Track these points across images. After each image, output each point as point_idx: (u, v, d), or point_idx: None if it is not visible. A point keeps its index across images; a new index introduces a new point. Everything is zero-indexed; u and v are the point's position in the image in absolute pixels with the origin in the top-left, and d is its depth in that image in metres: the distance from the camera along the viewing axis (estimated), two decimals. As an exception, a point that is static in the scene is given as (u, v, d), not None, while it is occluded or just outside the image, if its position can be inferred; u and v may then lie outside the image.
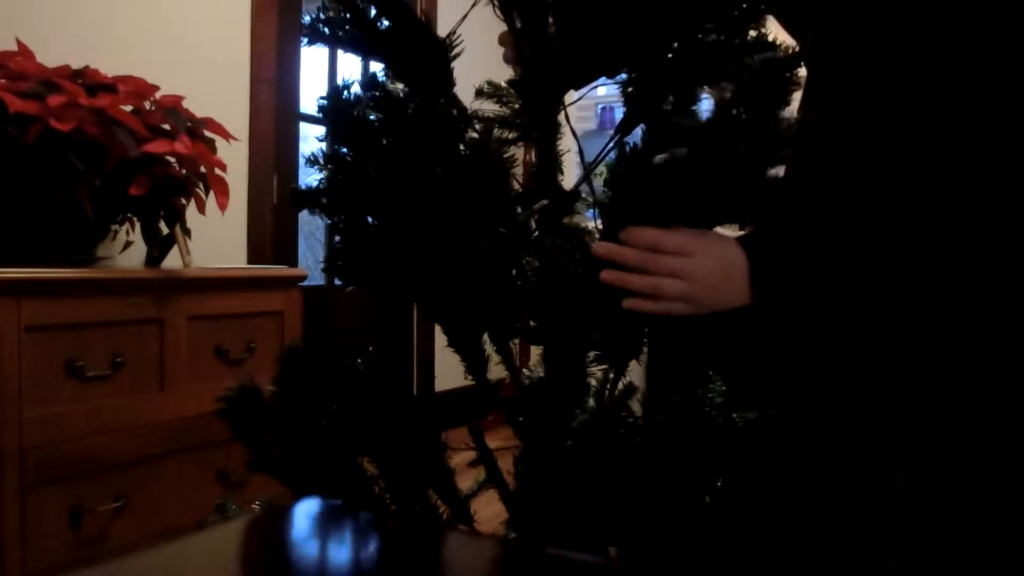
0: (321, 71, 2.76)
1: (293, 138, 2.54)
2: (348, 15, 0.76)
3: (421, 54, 0.76)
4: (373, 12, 0.75)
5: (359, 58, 2.93)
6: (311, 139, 3.15)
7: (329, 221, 0.82)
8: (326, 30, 0.77)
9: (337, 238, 0.81)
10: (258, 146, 2.33)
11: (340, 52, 2.77)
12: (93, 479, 1.36)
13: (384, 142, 0.78)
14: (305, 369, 0.81)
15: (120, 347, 1.41)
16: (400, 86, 0.80)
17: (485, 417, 0.97)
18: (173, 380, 1.50)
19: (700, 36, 0.71)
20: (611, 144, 0.78)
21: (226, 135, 1.68)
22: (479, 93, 0.96)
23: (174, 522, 1.48)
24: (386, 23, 0.75)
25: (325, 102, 0.79)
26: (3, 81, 1.35)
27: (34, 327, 1.27)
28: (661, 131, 0.72)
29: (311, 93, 2.71)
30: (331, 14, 0.76)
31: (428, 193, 0.72)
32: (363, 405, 0.79)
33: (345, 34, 0.77)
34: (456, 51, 0.78)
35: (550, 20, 0.76)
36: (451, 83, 0.79)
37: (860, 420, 0.61)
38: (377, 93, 0.78)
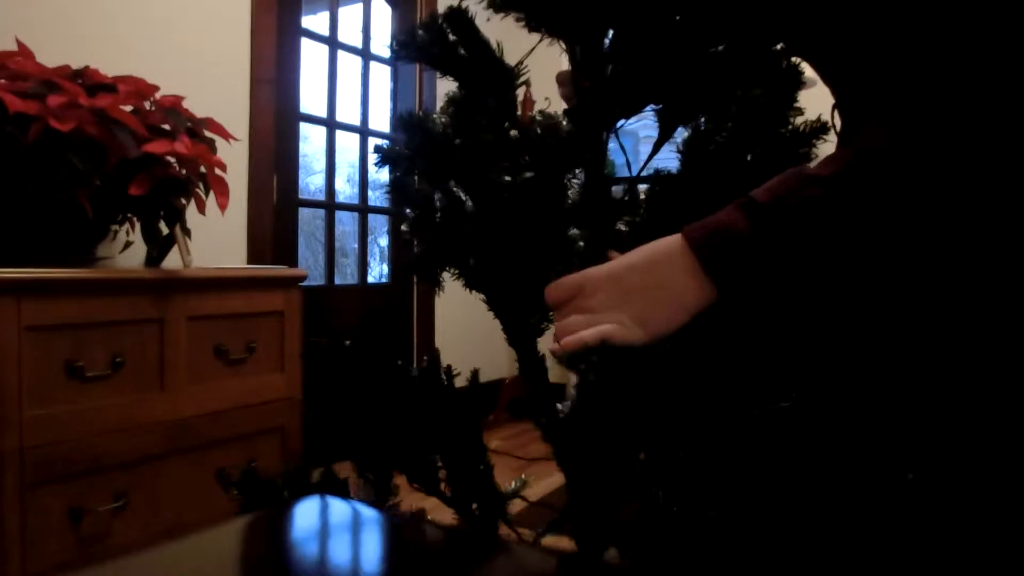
0: (321, 71, 2.76)
1: (293, 138, 2.54)
2: (435, 39, 0.89)
3: (492, 79, 0.89)
4: (454, 40, 0.88)
5: (358, 59, 2.93)
6: (311, 139, 3.15)
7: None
8: (413, 51, 0.92)
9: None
10: (258, 146, 2.33)
11: (340, 53, 2.78)
12: (93, 479, 1.36)
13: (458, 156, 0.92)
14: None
15: (120, 347, 1.41)
16: None
17: (487, 416, 1.00)
18: (173, 380, 1.50)
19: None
20: (647, 160, 0.90)
21: (226, 135, 1.68)
22: (534, 122, 1.08)
23: (174, 522, 1.48)
24: (464, 51, 0.89)
25: (403, 120, 0.94)
26: (3, 81, 1.35)
27: (34, 327, 1.27)
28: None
29: (311, 93, 2.72)
30: (420, 37, 0.90)
31: (495, 202, 0.80)
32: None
33: (428, 55, 0.91)
34: (521, 79, 0.91)
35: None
36: (515, 107, 0.92)
37: (868, 419, 0.61)
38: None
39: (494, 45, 0.90)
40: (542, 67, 1.08)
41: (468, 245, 0.88)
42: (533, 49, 0.90)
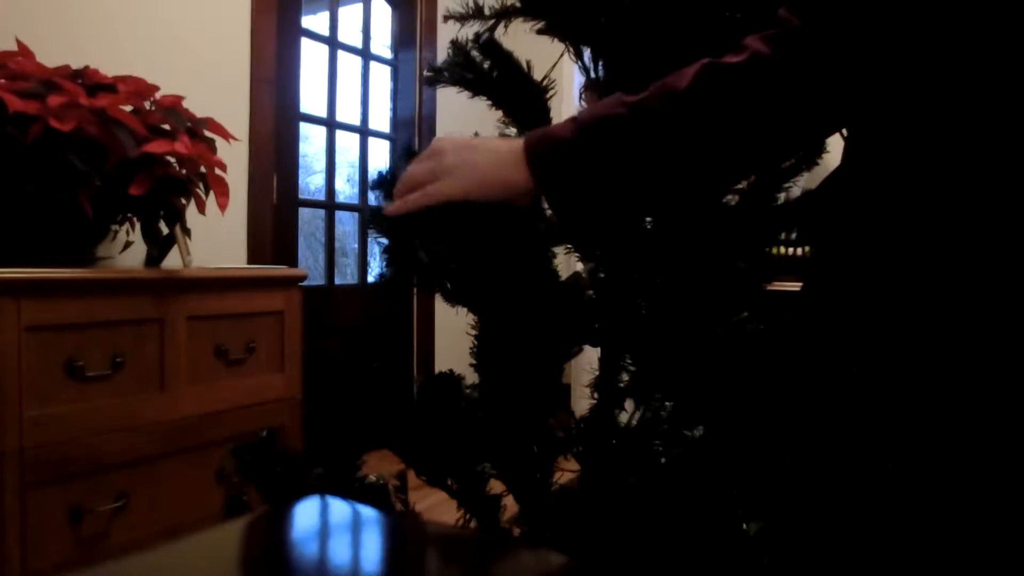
0: (321, 71, 2.76)
1: (293, 138, 2.55)
2: (465, 63, 0.95)
3: (524, 96, 0.94)
4: (487, 64, 0.94)
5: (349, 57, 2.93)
6: (311, 139, 3.15)
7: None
8: (446, 74, 0.97)
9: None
10: (258, 146, 2.33)
11: (340, 53, 2.78)
12: (93, 479, 1.36)
13: None
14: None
15: (120, 347, 1.41)
16: None
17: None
18: (173, 380, 1.50)
19: None
20: None
21: (226, 135, 1.68)
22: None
23: (174, 522, 1.48)
24: (496, 72, 0.94)
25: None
26: (3, 81, 1.35)
27: (34, 327, 1.27)
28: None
29: (311, 93, 2.72)
30: (451, 61, 0.96)
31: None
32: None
33: (462, 79, 0.96)
34: (551, 93, 0.95)
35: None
36: (548, 119, 0.96)
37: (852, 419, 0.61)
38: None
39: (523, 64, 0.93)
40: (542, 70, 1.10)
41: (449, 274, 0.89)
42: (556, 63, 0.93)
